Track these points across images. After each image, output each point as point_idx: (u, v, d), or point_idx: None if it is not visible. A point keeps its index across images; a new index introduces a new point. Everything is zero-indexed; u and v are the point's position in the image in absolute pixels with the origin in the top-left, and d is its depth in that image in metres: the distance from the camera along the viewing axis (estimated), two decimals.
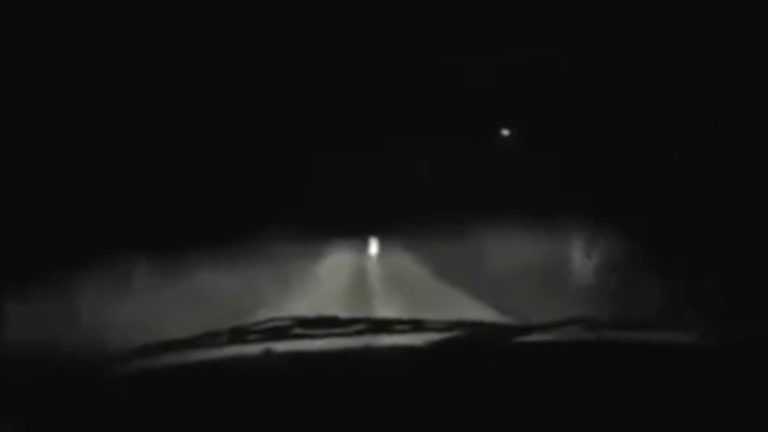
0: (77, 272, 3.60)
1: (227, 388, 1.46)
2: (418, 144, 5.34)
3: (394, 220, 6.35)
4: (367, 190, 5.86)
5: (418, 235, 6.66)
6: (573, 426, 1.31)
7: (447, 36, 4.24)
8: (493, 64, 4.40)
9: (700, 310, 2.85)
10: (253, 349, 1.62)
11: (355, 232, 7.42)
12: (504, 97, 4.81)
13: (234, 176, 4.79)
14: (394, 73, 4.54)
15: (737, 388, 1.40)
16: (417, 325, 1.73)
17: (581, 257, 4.30)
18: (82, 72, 3.58)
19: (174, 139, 4.19)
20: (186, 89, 4.17)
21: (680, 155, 3.79)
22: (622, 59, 4.03)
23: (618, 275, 4.01)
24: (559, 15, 4.00)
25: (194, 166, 4.36)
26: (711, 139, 3.60)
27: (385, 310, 5.12)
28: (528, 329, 1.71)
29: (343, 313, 1.83)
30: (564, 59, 4.21)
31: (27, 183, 3.38)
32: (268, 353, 1.59)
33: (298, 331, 1.70)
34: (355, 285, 6.36)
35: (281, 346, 1.64)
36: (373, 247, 7.89)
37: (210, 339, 1.69)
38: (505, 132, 4.94)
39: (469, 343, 1.65)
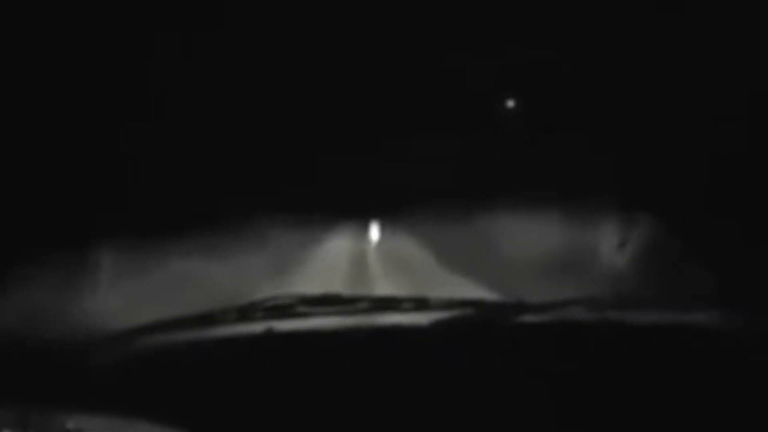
0: (75, 253, 3.59)
1: (230, 366, 1.45)
2: (420, 128, 5.30)
3: (395, 204, 6.29)
4: (368, 173, 5.81)
5: (420, 219, 6.62)
6: (576, 406, 1.30)
7: (447, 36, 4.22)
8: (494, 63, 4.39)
9: (719, 294, 2.82)
10: (256, 327, 1.61)
11: (356, 215, 7.34)
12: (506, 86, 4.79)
13: (234, 160, 4.75)
14: (393, 62, 4.52)
15: (746, 372, 1.38)
16: (421, 303, 1.73)
17: (587, 239, 4.29)
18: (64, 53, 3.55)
19: (174, 126, 4.15)
20: (183, 73, 4.14)
21: (681, 154, 3.78)
22: (622, 59, 4.01)
23: (627, 257, 4.00)
24: (559, 15, 3.97)
25: (191, 148, 4.32)
26: (730, 135, 3.58)
27: (387, 292, 5.10)
28: (533, 308, 1.71)
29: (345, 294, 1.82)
30: (564, 59, 4.19)
31: (15, 169, 3.35)
32: (270, 331, 1.58)
33: (301, 309, 1.69)
34: (356, 268, 6.34)
35: (284, 325, 1.63)
36: (374, 230, 7.83)
37: (212, 318, 1.68)
38: (510, 114, 4.92)
39: (474, 322, 1.64)
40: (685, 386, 1.33)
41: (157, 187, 4.09)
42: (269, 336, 1.57)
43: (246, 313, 1.67)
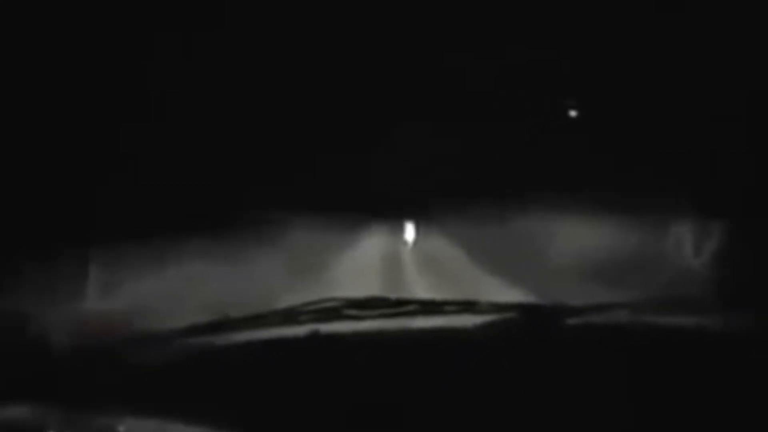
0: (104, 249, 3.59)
1: (277, 369, 1.46)
2: (457, 128, 5.25)
3: (429, 204, 6.25)
4: (400, 174, 5.77)
5: (454, 219, 6.56)
6: (624, 410, 1.29)
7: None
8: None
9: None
10: (302, 330, 1.62)
11: (389, 215, 7.27)
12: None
13: (258, 160, 4.72)
14: (418, 60, 4.49)
15: None
16: (467, 306, 1.72)
17: (632, 243, 4.23)
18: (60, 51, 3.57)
19: (182, 123, 4.14)
20: (185, 68, 4.14)
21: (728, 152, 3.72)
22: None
23: (672, 262, 3.95)
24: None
25: (210, 145, 4.30)
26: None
27: (424, 294, 5.08)
28: (577, 311, 1.69)
29: None
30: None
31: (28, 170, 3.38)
32: (316, 333, 1.59)
33: (347, 312, 1.69)
34: (391, 270, 6.31)
35: (329, 327, 1.63)
36: (409, 231, 7.76)
37: (259, 320, 1.69)
38: (567, 117, 4.86)
39: (520, 325, 1.63)
40: (727, 391, 1.31)
41: (168, 188, 4.09)
42: (315, 338, 1.57)
43: (294, 315, 1.68)
